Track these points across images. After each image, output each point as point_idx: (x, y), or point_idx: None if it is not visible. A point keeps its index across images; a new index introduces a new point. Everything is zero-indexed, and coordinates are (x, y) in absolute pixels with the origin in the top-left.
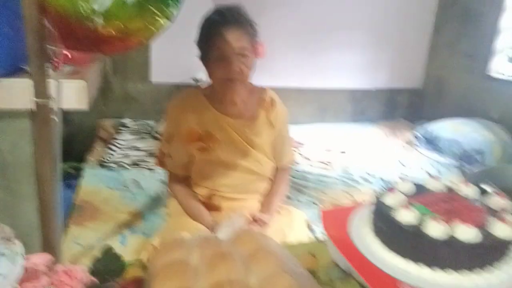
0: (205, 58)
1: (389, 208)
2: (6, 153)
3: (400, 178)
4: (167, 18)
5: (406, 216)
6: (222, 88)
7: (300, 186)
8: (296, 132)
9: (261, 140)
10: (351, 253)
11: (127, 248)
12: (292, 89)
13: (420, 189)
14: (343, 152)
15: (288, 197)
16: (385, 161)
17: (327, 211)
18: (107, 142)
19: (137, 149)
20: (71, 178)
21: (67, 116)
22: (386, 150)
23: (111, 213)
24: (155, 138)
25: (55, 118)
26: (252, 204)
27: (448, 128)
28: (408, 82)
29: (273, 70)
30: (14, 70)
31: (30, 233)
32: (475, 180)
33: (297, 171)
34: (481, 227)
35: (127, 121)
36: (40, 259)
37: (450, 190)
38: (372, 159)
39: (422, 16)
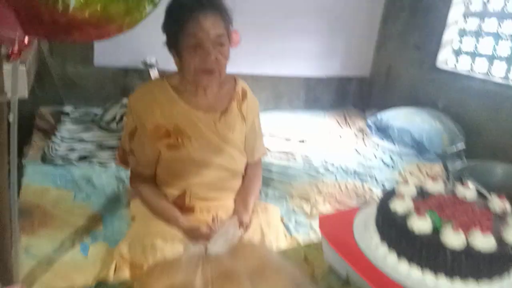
0: (175, 46)
1: (399, 215)
2: None
3: (363, 179)
4: (153, 1)
5: (420, 224)
6: (196, 79)
7: (266, 179)
8: None
9: (234, 135)
10: (356, 260)
11: (90, 258)
12: (246, 75)
13: (422, 192)
14: (302, 141)
15: None
16: (342, 150)
17: (324, 216)
18: (47, 133)
19: (83, 141)
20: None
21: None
22: (341, 139)
23: (64, 217)
24: (103, 128)
25: (10, 116)
26: (227, 203)
27: (399, 117)
28: (357, 70)
29: None
30: None
31: None
32: (458, 177)
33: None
34: (496, 234)
35: (68, 108)
36: None
37: (449, 191)
38: (330, 148)
39: (372, 5)
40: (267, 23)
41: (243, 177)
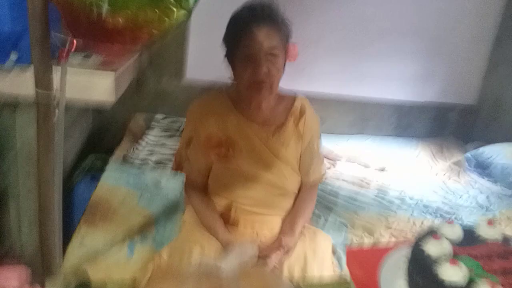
0: (231, 57)
1: (431, 260)
2: (32, 141)
3: (446, 218)
4: (185, 9)
5: (452, 273)
6: (248, 91)
7: (330, 204)
8: (332, 143)
9: (287, 151)
10: None
11: (134, 258)
12: (331, 96)
13: (471, 236)
14: (382, 170)
15: (315, 214)
16: (428, 183)
17: (353, 250)
18: (137, 136)
19: (165, 146)
20: (98, 170)
21: (100, 107)
22: (431, 171)
23: (125, 215)
24: None
25: (57, 111)
26: (273, 221)
27: (505, 153)
28: (461, 97)
29: (311, 74)
30: None
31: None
32: None
33: (329, 185)
34: None
35: (159, 116)
36: (12, 273)
37: (508, 240)
38: (414, 180)
39: (483, 26)
40: (356, 42)
41: (296, 198)
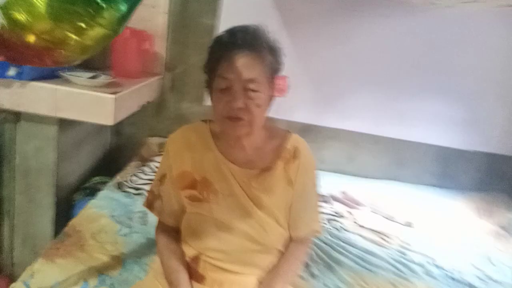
0: (209, 87)
1: None
2: (30, 157)
3: None
4: (104, 27)
5: None
6: (222, 127)
7: (334, 262)
8: (358, 187)
9: (271, 200)
10: None
11: None
12: (364, 134)
13: None
14: (408, 225)
15: (312, 275)
16: (464, 250)
17: None
18: (145, 161)
19: None
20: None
21: (118, 127)
22: (471, 233)
23: (92, 252)
24: None
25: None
26: (247, 282)
27: None
28: None
29: (341, 109)
30: (46, 74)
31: (41, 243)
32: None
33: (340, 239)
34: None
35: None
36: None
37: None
38: (447, 243)
39: None
40: (392, 76)
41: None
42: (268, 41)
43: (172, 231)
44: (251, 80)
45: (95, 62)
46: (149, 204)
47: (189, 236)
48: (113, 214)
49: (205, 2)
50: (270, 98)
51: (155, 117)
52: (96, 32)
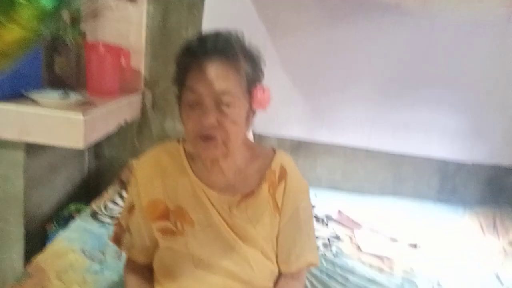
0: (179, 102)
1: None
2: (17, 184)
3: None
4: (22, 27)
5: None
6: (195, 147)
7: None
8: (355, 205)
9: (256, 230)
10: None
11: None
12: (358, 149)
13: None
14: (413, 246)
15: None
16: (472, 269)
17: None
18: (125, 186)
19: None
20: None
21: (97, 149)
22: (478, 252)
23: None
24: None
25: None
26: None
27: None
28: None
29: (334, 122)
30: (9, 94)
31: (10, 280)
32: None
33: (336, 266)
34: None
35: None
36: None
37: None
38: (454, 265)
39: None
40: (388, 88)
41: None
42: (244, 47)
43: (143, 270)
44: (224, 92)
45: (67, 80)
46: (117, 239)
47: (162, 275)
48: (84, 248)
49: (185, 14)
50: (249, 112)
51: (136, 138)
52: (13, 33)
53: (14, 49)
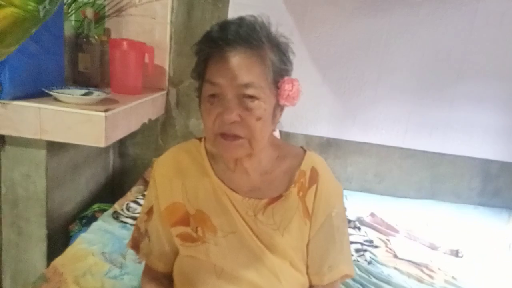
0: (199, 96)
1: None
2: (17, 186)
3: None
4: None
5: None
6: (216, 146)
7: None
8: (390, 209)
9: (284, 238)
10: None
11: None
12: (392, 148)
13: None
14: (456, 254)
15: None
16: None
17: None
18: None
19: None
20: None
21: (122, 148)
22: None
23: None
24: None
25: None
26: None
27: None
28: None
29: (368, 121)
30: (32, 92)
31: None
32: None
33: (371, 274)
34: None
35: None
36: None
37: None
38: (499, 273)
39: None
40: (425, 83)
41: None
42: (269, 35)
43: (162, 279)
44: (248, 85)
45: (92, 78)
46: (134, 244)
47: (182, 285)
48: (104, 251)
49: (210, 10)
50: (276, 108)
51: (160, 136)
52: (6, 11)
53: (9, 29)
